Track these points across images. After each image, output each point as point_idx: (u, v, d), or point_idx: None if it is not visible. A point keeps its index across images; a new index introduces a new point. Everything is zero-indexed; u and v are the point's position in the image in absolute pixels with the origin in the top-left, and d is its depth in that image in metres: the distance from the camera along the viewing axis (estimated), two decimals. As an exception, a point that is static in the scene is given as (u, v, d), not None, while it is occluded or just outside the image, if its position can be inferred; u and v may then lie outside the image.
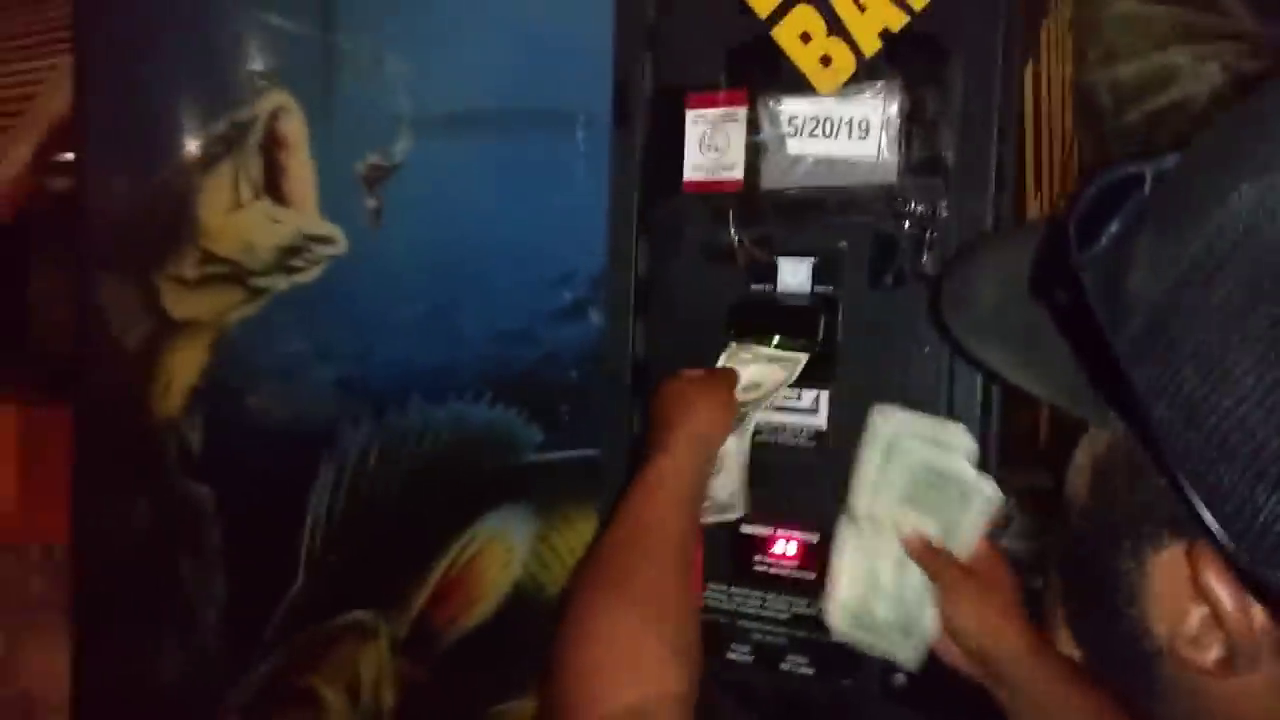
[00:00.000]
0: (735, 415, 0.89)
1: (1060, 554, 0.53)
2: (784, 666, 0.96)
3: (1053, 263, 0.46)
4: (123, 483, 1.38)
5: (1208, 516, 0.38)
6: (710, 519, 0.91)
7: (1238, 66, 1.82)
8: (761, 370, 0.93)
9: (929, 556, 0.84)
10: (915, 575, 0.86)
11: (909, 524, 0.85)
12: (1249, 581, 0.38)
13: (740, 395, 0.90)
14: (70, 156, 2.38)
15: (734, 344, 0.95)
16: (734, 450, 0.91)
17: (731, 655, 0.97)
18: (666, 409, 0.87)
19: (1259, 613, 0.39)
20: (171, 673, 1.34)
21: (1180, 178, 0.43)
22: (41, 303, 2.79)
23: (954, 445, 0.84)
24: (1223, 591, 0.39)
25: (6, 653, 2.44)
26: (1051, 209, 1.19)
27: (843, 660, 0.92)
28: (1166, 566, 0.43)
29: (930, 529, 0.85)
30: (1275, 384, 0.36)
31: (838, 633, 0.88)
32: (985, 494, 0.83)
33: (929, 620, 0.85)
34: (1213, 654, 0.42)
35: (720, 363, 0.94)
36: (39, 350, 2.72)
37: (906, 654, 0.86)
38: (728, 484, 0.92)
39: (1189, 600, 0.42)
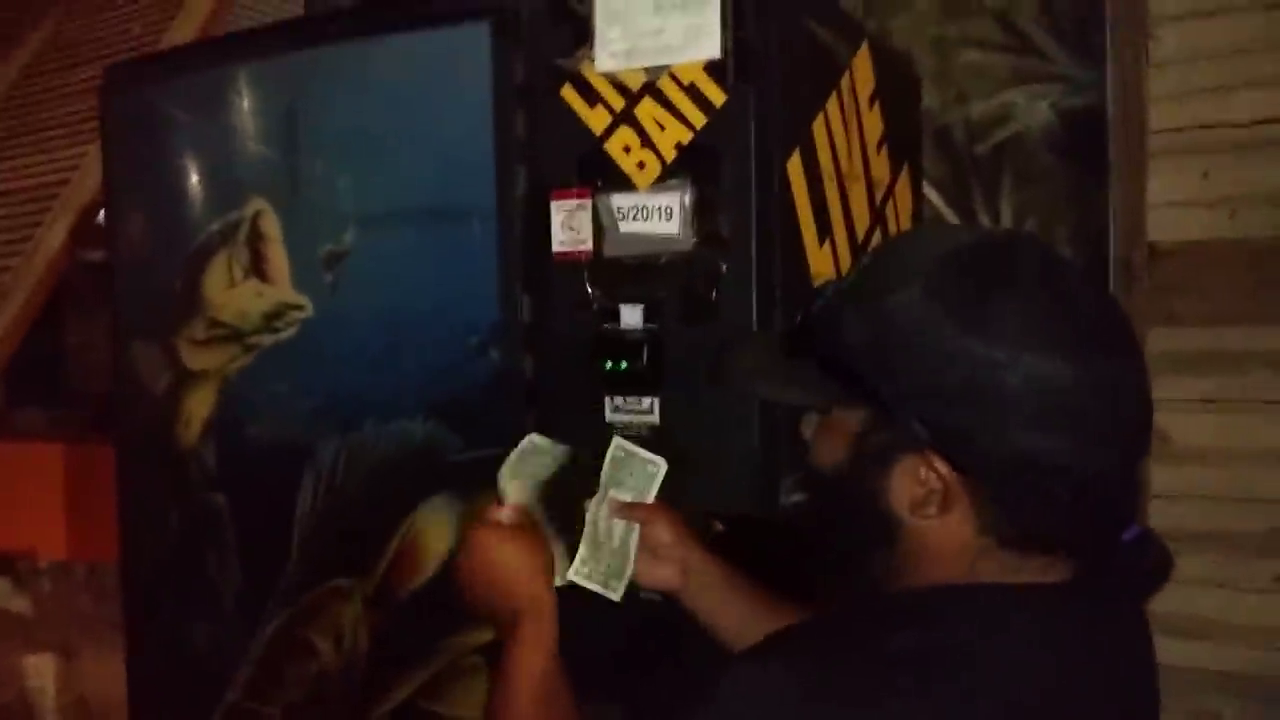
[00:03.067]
0: (551, 558, 1.02)
1: (817, 495, 0.88)
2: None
3: (801, 333, 0.83)
4: (157, 499, 1.63)
5: (925, 435, 0.72)
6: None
7: (1062, 103, 2.15)
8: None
9: (626, 509, 1.09)
10: (621, 530, 1.10)
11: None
12: (950, 461, 0.73)
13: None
14: (99, 222, 2.63)
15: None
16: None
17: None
18: (495, 584, 0.98)
19: (955, 476, 0.73)
20: (203, 641, 1.57)
21: (864, 281, 0.80)
22: (76, 354, 3.03)
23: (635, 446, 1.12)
24: (942, 469, 0.73)
25: (64, 663, 2.63)
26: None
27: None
28: (901, 471, 0.75)
29: (627, 497, 1.10)
30: (941, 369, 0.71)
31: (577, 582, 1.09)
32: (661, 465, 1.11)
33: (632, 567, 1.09)
34: (933, 509, 0.74)
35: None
36: (77, 394, 2.96)
37: (619, 593, 1.09)
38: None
39: (914, 486, 0.74)
